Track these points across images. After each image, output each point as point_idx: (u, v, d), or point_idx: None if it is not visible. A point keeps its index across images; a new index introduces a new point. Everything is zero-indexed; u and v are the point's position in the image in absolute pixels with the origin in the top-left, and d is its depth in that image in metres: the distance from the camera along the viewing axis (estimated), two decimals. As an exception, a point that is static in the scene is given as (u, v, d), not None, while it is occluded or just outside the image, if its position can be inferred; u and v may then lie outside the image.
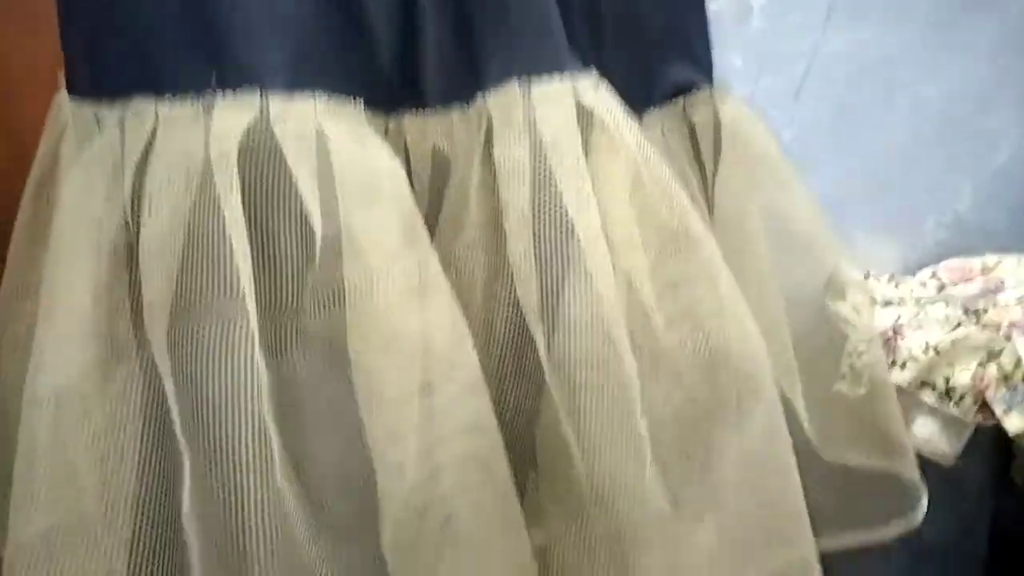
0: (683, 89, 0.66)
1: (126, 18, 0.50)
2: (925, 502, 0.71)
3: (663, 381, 0.54)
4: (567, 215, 0.53)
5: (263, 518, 0.48)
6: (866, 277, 1.02)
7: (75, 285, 0.50)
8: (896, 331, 0.87)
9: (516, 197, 0.53)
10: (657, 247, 0.56)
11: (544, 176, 0.53)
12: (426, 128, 0.56)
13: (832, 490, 0.69)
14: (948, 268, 1.07)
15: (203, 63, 0.49)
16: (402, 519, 0.49)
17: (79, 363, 0.50)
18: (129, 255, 0.50)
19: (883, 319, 0.90)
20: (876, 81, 1.10)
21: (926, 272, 1.10)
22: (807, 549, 0.60)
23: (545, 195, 0.53)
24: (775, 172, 0.68)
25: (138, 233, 0.49)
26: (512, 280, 0.53)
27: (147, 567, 0.50)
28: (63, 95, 0.53)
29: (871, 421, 0.73)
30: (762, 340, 0.58)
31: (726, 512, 0.57)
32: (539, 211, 0.53)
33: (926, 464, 1.46)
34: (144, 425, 0.50)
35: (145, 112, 0.50)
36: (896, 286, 1.02)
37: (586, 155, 0.53)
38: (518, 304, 0.53)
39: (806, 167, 0.83)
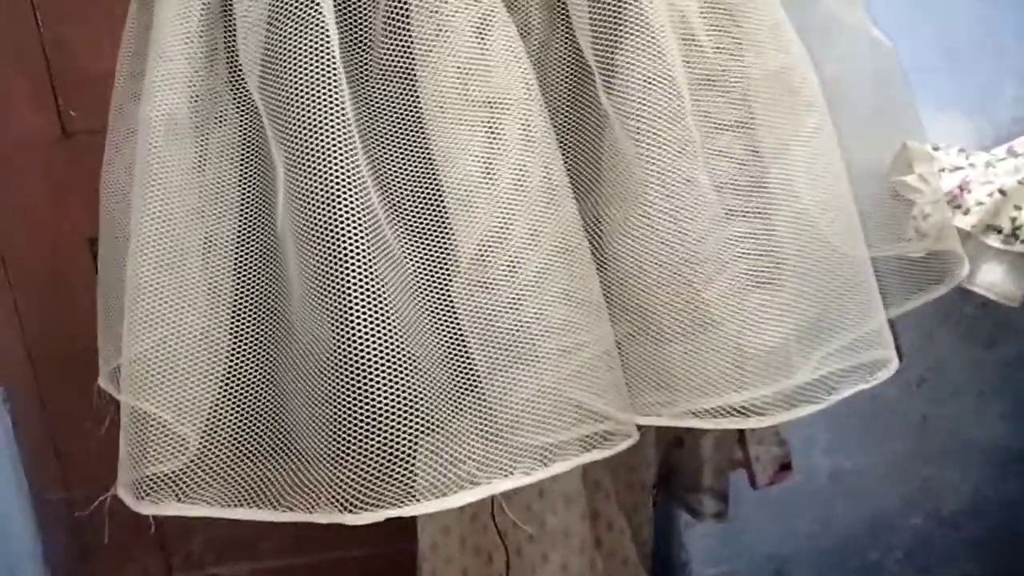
0: None
1: None
2: (967, 265, 0.71)
3: (713, 98, 0.57)
4: None
5: (349, 198, 0.52)
6: (935, 150, 0.97)
7: (179, 36, 0.56)
8: (963, 187, 0.83)
9: None
10: None
11: None
12: None
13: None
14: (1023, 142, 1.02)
15: None
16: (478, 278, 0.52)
17: (186, 96, 0.56)
18: (224, 9, 0.56)
19: (950, 181, 0.86)
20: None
21: (1001, 148, 1.04)
22: (879, 320, 0.61)
23: None
24: None
25: None
26: (565, 29, 0.56)
27: (251, 286, 0.56)
28: None
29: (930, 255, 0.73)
30: (813, 69, 0.60)
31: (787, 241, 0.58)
32: None
33: (1007, 379, 1.40)
34: (244, 153, 0.56)
35: None
36: (967, 158, 0.97)
37: None
38: (574, 51, 0.56)
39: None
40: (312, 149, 0.53)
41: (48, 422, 1.35)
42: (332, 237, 0.53)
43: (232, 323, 0.57)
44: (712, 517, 1.17)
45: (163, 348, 0.57)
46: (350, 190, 0.52)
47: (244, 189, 0.57)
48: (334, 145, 0.52)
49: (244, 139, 0.57)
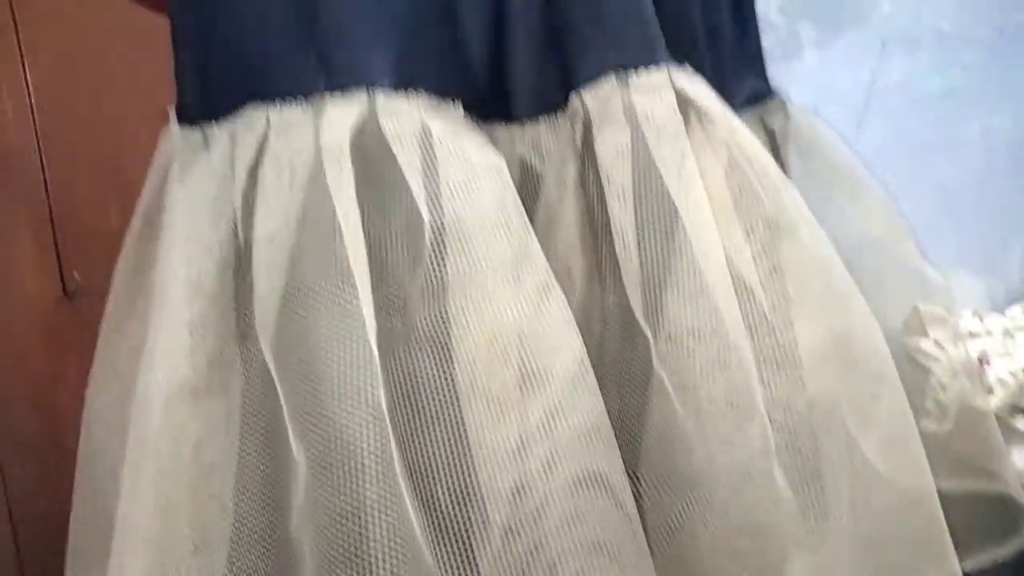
0: (757, 98, 0.66)
1: (234, 30, 0.51)
2: None
3: (782, 376, 0.51)
4: (671, 200, 0.50)
5: (383, 522, 0.45)
6: (948, 312, 0.95)
7: (183, 296, 0.50)
8: (982, 359, 0.81)
9: (619, 182, 0.51)
10: (759, 233, 0.53)
11: (646, 162, 0.51)
12: (513, 139, 0.55)
13: None
14: (1038, 302, 1.00)
15: (312, 67, 0.50)
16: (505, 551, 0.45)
17: (186, 369, 0.49)
18: (237, 264, 0.50)
19: (968, 350, 0.83)
20: (940, 110, 1.06)
21: (1016, 308, 1.03)
22: (954, 565, 0.54)
23: (649, 180, 0.51)
24: (849, 181, 0.67)
25: (247, 238, 0.49)
26: (609, 279, 0.51)
27: None
28: (172, 125, 0.54)
29: (964, 450, 0.67)
30: (879, 330, 0.55)
31: (858, 529, 0.52)
32: (642, 196, 0.51)
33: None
34: (247, 433, 0.48)
35: (256, 120, 0.50)
36: (981, 320, 0.95)
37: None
38: (618, 305, 0.51)
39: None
40: (341, 458, 0.45)
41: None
42: (359, 561, 0.45)
43: None
44: None
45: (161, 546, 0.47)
46: (384, 511, 0.45)
47: (243, 467, 0.49)
48: (368, 456, 0.45)
49: (248, 408, 0.50)
